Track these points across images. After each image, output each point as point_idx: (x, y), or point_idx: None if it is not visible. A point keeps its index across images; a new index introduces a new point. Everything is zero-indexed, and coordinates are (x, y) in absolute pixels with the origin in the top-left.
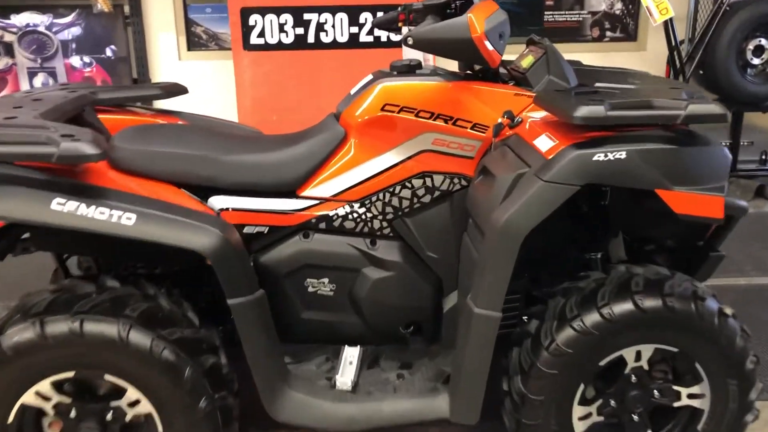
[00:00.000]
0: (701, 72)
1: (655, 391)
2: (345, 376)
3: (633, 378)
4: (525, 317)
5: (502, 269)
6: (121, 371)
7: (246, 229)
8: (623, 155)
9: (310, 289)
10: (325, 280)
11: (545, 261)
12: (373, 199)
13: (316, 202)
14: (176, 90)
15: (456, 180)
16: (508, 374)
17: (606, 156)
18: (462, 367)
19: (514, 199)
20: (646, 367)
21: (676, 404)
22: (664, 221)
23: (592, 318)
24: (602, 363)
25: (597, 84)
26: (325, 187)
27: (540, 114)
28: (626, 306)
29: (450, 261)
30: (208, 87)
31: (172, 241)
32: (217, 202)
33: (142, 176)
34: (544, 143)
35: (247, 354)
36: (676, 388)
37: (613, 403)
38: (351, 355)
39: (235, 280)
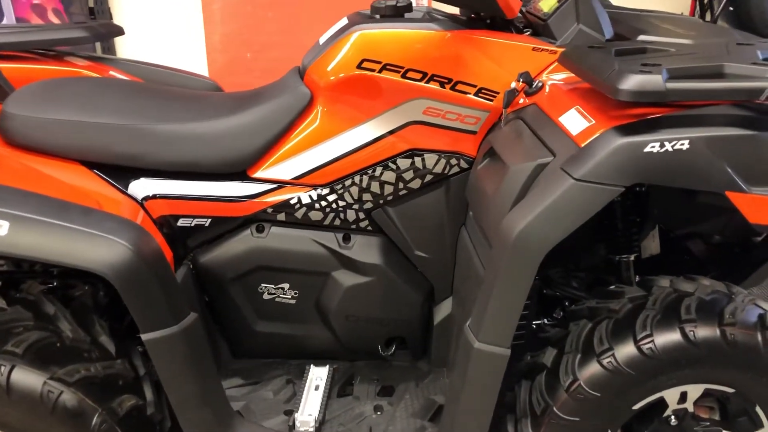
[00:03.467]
0: (731, 9)
1: None
2: (307, 413)
3: (672, 420)
4: (536, 324)
5: (515, 294)
6: (4, 424)
7: (181, 222)
8: (685, 145)
9: (266, 297)
10: (285, 286)
11: (562, 258)
12: (347, 183)
13: (273, 186)
14: (108, 31)
15: (453, 161)
16: (515, 414)
17: (663, 146)
18: (457, 410)
19: (534, 202)
20: (690, 408)
21: None
22: (717, 215)
23: (627, 353)
24: (636, 407)
25: (641, 37)
26: (284, 167)
27: (564, 75)
28: (673, 338)
29: (443, 262)
30: (175, 19)
31: (56, 259)
32: (142, 187)
33: (42, 153)
34: (574, 122)
35: (171, 400)
36: None
37: None
38: (317, 376)
39: (152, 308)
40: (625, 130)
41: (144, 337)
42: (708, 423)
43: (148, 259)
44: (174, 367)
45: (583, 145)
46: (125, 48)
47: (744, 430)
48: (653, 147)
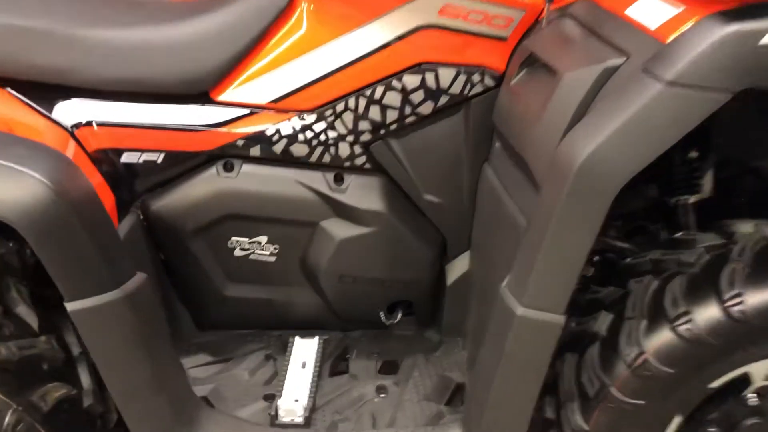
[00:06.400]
0: None
1: None
2: (292, 398)
3: (751, 400)
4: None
5: (577, 244)
6: None
7: (125, 157)
8: None
9: (238, 253)
10: (262, 240)
11: None
12: (339, 108)
13: (244, 111)
14: None
15: (476, 77)
16: (557, 396)
17: None
18: (489, 392)
19: (604, 116)
20: None
21: None
22: None
23: (711, 317)
24: (714, 385)
25: None
26: (258, 86)
27: None
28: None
29: (459, 208)
30: None
31: None
32: (72, 111)
33: None
34: (650, 13)
35: (110, 389)
36: None
37: None
38: (304, 352)
39: (80, 267)
40: (731, 17)
41: (69, 306)
42: None
43: (76, 200)
44: (112, 345)
45: (669, 40)
46: None
47: None
48: None
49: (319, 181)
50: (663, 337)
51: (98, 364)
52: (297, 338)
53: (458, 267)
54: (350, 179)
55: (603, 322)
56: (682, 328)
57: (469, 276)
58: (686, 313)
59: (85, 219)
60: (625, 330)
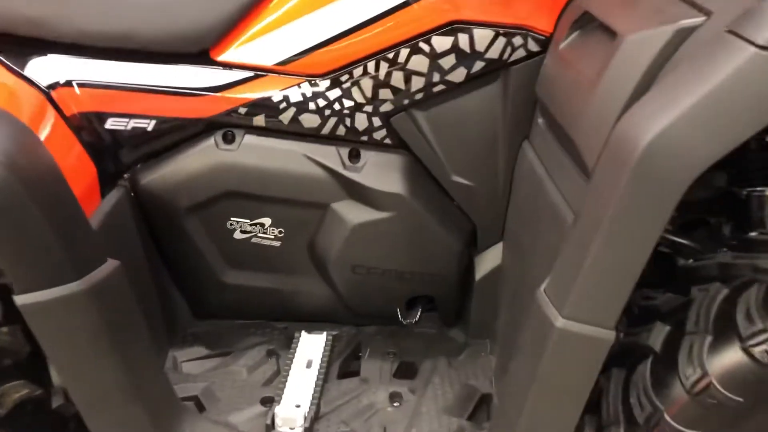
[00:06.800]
0: None
1: None
2: (293, 403)
3: None
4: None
5: (634, 247)
6: None
7: (110, 123)
8: None
9: (239, 236)
10: (265, 222)
11: None
12: (357, 72)
13: (248, 74)
14: None
15: (517, 41)
16: (599, 417)
17: None
18: (521, 411)
19: (677, 89)
20: None
21: None
22: None
23: None
24: None
25: None
26: (264, 45)
27: None
28: None
29: (492, 193)
30: None
31: None
32: (48, 68)
33: None
34: None
35: (71, 394)
36: None
37: None
38: (310, 349)
39: (31, 256)
40: None
41: (19, 300)
42: None
43: (30, 176)
44: (73, 346)
45: None
46: None
47: None
48: None
49: (332, 156)
50: (732, 358)
51: (57, 368)
52: (303, 333)
53: (489, 260)
54: (367, 156)
55: (658, 334)
56: (757, 350)
57: (502, 271)
58: (763, 331)
59: (41, 199)
60: (685, 346)
